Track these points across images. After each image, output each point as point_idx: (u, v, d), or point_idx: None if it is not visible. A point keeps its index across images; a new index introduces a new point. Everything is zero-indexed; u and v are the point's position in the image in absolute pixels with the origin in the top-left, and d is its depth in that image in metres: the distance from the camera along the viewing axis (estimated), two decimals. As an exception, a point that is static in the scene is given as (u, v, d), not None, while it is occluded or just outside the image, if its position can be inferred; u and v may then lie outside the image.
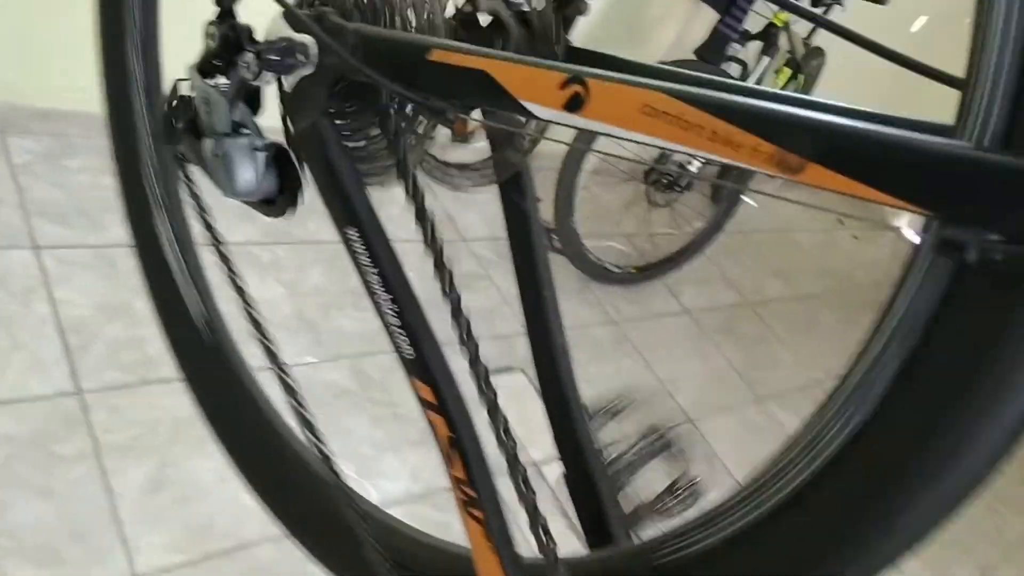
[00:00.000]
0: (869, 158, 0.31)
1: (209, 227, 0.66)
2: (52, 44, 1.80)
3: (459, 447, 0.49)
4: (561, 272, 2.54)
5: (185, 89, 0.60)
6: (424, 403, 0.49)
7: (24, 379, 1.42)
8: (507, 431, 0.48)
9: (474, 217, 2.47)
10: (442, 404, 0.48)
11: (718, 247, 2.97)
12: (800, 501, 0.38)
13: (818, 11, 2.65)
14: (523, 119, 0.48)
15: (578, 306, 2.50)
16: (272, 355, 0.63)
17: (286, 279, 1.93)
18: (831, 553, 0.37)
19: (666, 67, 0.42)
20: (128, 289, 1.65)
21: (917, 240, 0.34)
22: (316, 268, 2.00)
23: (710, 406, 2.41)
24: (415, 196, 0.49)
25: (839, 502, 0.37)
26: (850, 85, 2.14)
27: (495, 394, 0.48)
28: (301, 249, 2.02)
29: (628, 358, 2.42)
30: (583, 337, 2.40)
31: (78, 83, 1.81)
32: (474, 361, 0.48)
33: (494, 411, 0.48)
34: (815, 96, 1.78)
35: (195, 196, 0.66)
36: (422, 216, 0.48)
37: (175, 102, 0.61)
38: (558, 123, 0.39)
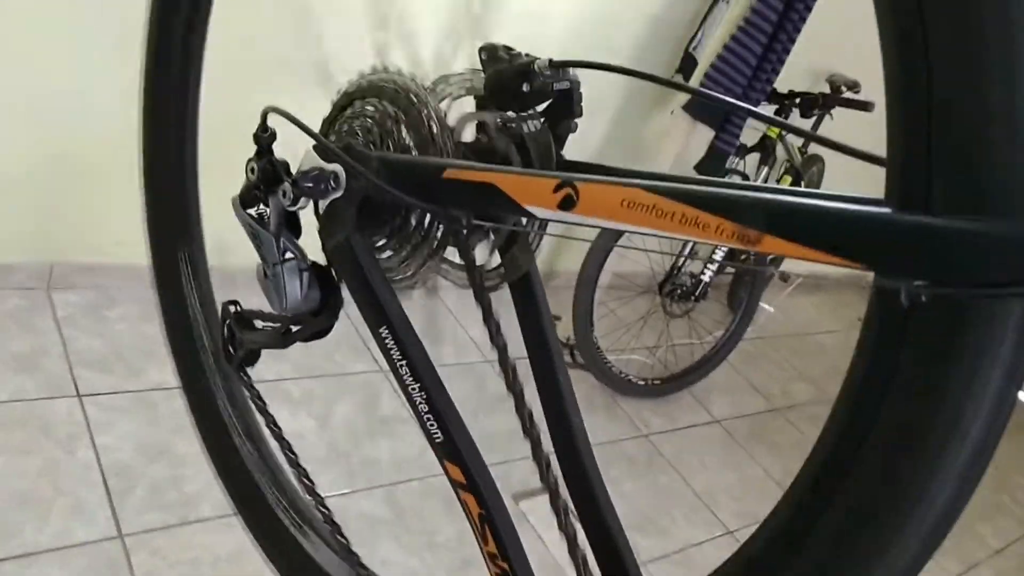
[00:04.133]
0: (812, 226, 0.37)
1: (268, 421, 0.73)
2: (92, 203, 1.94)
3: (490, 523, 0.52)
4: (587, 387, 2.57)
5: (231, 309, 0.69)
6: (455, 484, 0.54)
7: (68, 525, 1.46)
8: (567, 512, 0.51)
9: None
10: (471, 482, 0.52)
11: (741, 354, 2.99)
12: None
13: (808, 122, 2.79)
14: (525, 221, 0.55)
15: (607, 421, 2.51)
16: (313, 493, 0.68)
17: (316, 412, 1.98)
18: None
19: (643, 171, 0.49)
20: (167, 430, 1.71)
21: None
22: (345, 400, 2.05)
23: (750, 516, 2.36)
24: (481, 300, 0.55)
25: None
26: (855, 187, 2.21)
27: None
28: (330, 381, 2.08)
29: (663, 473, 2.40)
30: (615, 453, 2.39)
31: (117, 238, 1.95)
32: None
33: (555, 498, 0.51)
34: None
35: (256, 396, 0.74)
36: (488, 319, 0.55)
37: (228, 322, 0.69)
38: (555, 220, 0.46)
